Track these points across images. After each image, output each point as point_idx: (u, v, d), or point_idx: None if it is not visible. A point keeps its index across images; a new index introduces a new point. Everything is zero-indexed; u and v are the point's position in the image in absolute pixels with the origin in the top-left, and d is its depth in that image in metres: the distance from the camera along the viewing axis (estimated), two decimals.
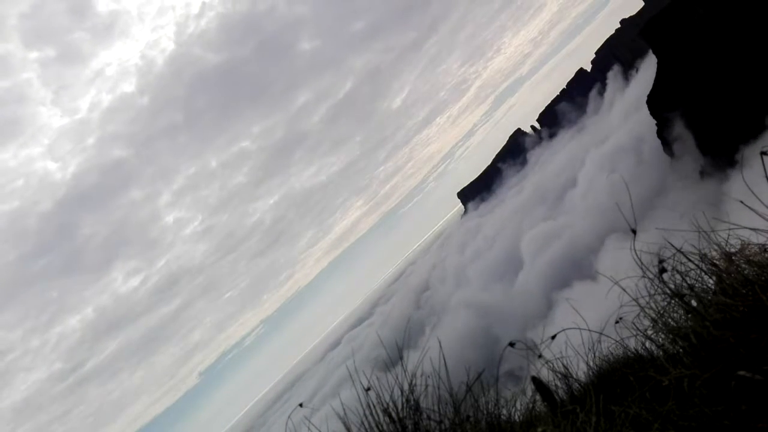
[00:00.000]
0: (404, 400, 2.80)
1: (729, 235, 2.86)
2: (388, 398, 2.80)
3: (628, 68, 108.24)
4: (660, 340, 2.80)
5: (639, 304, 2.87)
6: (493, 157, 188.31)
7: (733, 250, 2.83)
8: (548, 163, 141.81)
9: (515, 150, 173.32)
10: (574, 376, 3.39)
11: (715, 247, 2.88)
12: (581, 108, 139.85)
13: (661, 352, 2.76)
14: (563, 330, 3.13)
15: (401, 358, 2.96)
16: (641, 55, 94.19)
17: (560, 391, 3.33)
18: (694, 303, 2.66)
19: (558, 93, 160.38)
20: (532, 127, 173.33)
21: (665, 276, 2.79)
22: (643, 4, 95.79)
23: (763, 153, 2.22)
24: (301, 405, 3.27)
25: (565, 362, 3.37)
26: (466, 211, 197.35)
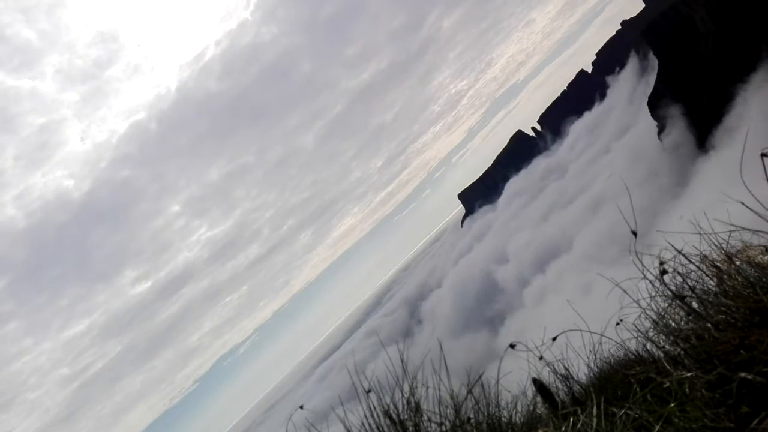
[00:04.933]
0: (405, 401, 2.79)
1: (730, 236, 2.86)
2: (388, 400, 2.79)
3: (629, 69, 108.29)
4: (661, 341, 2.80)
5: (640, 306, 2.87)
6: (494, 159, 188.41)
7: (734, 251, 2.83)
8: (549, 164, 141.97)
9: (516, 151, 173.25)
10: (575, 378, 3.38)
11: (716, 249, 2.87)
12: (582, 109, 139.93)
13: (662, 354, 2.76)
14: (564, 332, 3.12)
15: (402, 359, 2.96)
16: (642, 56, 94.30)
17: (561, 393, 3.33)
18: (695, 305, 2.66)
19: (559, 94, 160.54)
20: (533, 128, 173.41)
21: (666, 277, 2.78)
22: (643, 5, 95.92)
23: (763, 154, 2.22)
24: (301, 407, 3.27)
25: (566, 364, 3.37)
26: (466, 213, 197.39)
